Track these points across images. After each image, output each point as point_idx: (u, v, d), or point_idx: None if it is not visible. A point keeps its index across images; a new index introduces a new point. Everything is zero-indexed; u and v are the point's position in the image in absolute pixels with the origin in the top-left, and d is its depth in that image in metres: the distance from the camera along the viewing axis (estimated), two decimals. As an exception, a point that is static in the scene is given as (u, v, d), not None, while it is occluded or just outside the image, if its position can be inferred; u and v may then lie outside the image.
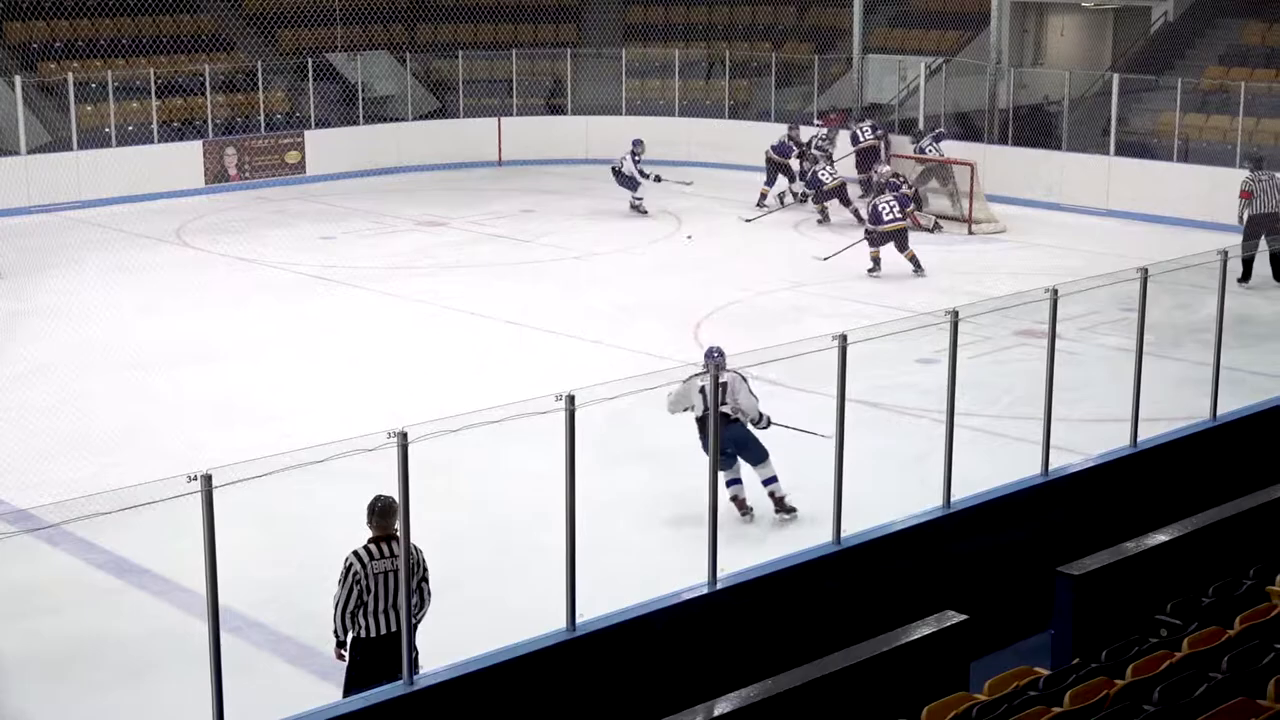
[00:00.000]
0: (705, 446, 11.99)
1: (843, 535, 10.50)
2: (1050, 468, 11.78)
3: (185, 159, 30.10)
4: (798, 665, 8.63)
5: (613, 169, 27.72)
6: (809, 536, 10.66)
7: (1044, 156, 28.87)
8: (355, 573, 9.13)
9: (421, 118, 33.94)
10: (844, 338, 10.26)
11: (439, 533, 9.96)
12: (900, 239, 22.57)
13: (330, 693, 9.87)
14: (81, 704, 10.27)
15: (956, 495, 11.13)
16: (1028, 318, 16.64)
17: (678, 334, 19.19)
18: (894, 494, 11.94)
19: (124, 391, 17.12)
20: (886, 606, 10.00)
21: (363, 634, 9.21)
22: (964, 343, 11.35)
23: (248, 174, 30.84)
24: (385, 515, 9.22)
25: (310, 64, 32.34)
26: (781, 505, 12.97)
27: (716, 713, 8.09)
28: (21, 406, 16.45)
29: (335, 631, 9.28)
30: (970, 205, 26.21)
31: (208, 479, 7.80)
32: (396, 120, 33.53)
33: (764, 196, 27.79)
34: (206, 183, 30.37)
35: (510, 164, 33.24)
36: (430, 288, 22.15)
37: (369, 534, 9.26)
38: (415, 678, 8.65)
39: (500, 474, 13.62)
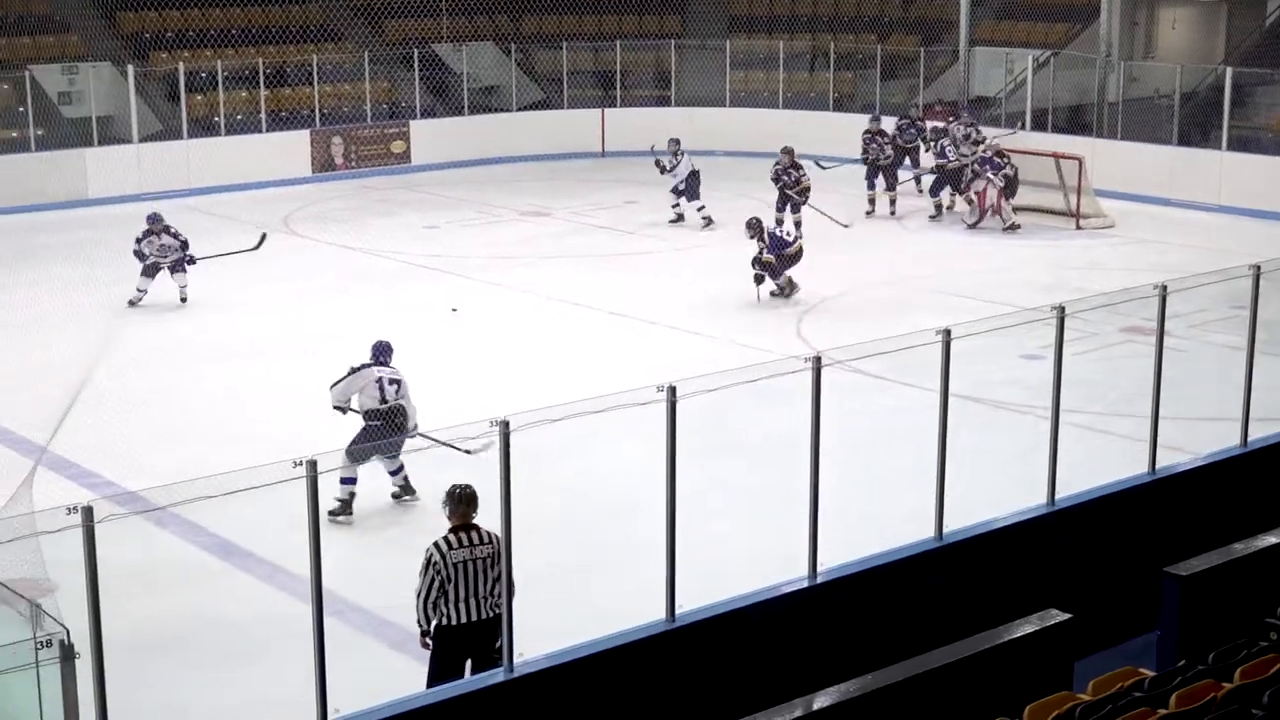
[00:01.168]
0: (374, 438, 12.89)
1: (945, 531, 10.42)
2: (1158, 466, 11.62)
3: (292, 148, 30.44)
4: (898, 661, 8.57)
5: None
6: (912, 532, 10.57)
7: (1154, 151, 28.46)
8: (435, 563, 9.18)
9: (525, 108, 34.07)
10: (948, 332, 10.17)
11: (537, 522, 9.98)
12: (788, 267, 20.70)
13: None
14: (186, 684, 10.41)
15: (1061, 493, 11.01)
16: (1136, 314, 16.40)
17: (779, 327, 19.12)
18: (997, 491, 11.82)
19: (230, 378, 17.34)
20: (989, 604, 9.92)
21: (445, 621, 9.25)
22: (1070, 339, 11.21)
23: (353, 163, 31.11)
24: (465, 504, 9.28)
25: (416, 55, 32.57)
26: (407, 490, 13.27)
27: (815, 707, 8.06)
28: (131, 392, 16.72)
29: (418, 621, 9.34)
30: (1078, 200, 25.90)
31: (313, 465, 7.88)
32: (501, 111, 33.69)
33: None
34: (313, 171, 30.70)
35: (613, 155, 33.26)
36: (532, 277, 22.23)
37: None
38: (514, 665, 8.68)
39: (599, 464, 13.64)
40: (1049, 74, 31.51)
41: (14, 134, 28.57)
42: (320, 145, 30.95)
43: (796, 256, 20.53)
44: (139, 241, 20.39)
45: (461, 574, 9.18)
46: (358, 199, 28.74)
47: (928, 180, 27.10)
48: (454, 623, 9.23)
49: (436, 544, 9.24)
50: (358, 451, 12.75)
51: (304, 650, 8.16)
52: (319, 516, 8.07)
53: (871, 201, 26.87)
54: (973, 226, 25.53)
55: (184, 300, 20.53)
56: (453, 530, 9.29)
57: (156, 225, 20.38)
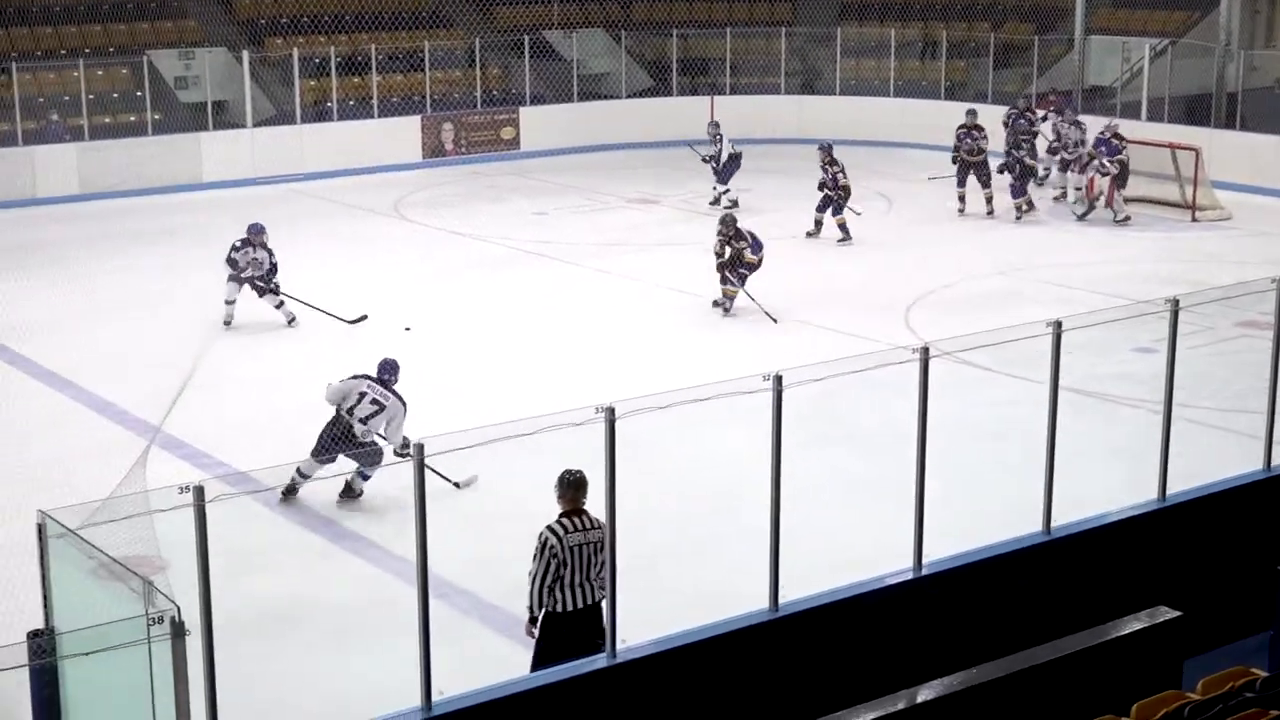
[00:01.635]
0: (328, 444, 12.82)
1: (1053, 525, 10.31)
2: (1273, 463, 11.41)
3: (403, 134, 30.67)
4: (1003, 656, 8.50)
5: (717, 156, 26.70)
6: (1019, 526, 10.47)
7: (1274, 142, 27.93)
8: (552, 547, 9.19)
9: (635, 95, 34.09)
10: (1058, 324, 10.06)
11: (641, 509, 10.00)
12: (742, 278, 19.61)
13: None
14: (293, 664, 10.53)
15: (1173, 488, 10.85)
16: (1252, 308, 16.09)
17: (887, 317, 19.01)
18: (1107, 485, 11.67)
19: (339, 361, 17.50)
20: (1097, 600, 9.80)
21: (558, 608, 9.26)
22: (1184, 332, 11.03)
23: (463, 149, 31.30)
24: (575, 488, 9.29)
25: (527, 41, 32.70)
26: (350, 491, 13.09)
27: (918, 700, 8.02)
28: (242, 374, 16.96)
29: (530, 607, 9.35)
30: (1195, 192, 25.49)
31: (420, 449, 7.94)
32: (610, 98, 33.73)
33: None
34: (423, 157, 30.92)
35: (723, 142, 33.18)
36: (640, 265, 22.26)
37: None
38: (617, 651, 8.70)
39: (703, 452, 13.63)
40: (1166, 63, 31.02)
41: (131, 118, 29.03)
42: (431, 131, 31.17)
43: (759, 263, 19.57)
44: (234, 250, 19.07)
45: (576, 558, 9.21)
46: (467, 185, 28.91)
47: (1053, 176, 26.74)
48: (565, 609, 9.25)
49: (551, 528, 9.27)
50: (321, 451, 12.99)
51: (409, 633, 8.23)
52: (425, 499, 8.13)
53: (961, 199, 25.79)
54: (1082, 218, 25.20)
55: (289, 322, 19.11)
56: (564, 515, 9.31)
57: (255, 237, 19.15)
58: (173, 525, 7.59)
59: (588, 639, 9.22)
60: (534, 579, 9.28)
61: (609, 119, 32.89)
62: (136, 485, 11.84)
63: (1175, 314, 10.71)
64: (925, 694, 8.07)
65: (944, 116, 30.83)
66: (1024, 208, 25.48)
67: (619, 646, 8.73)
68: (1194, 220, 25.25)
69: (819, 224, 23.89)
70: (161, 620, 7.09)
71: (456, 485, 12.40)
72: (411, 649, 8.16)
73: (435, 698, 8.16)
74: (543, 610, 9.34)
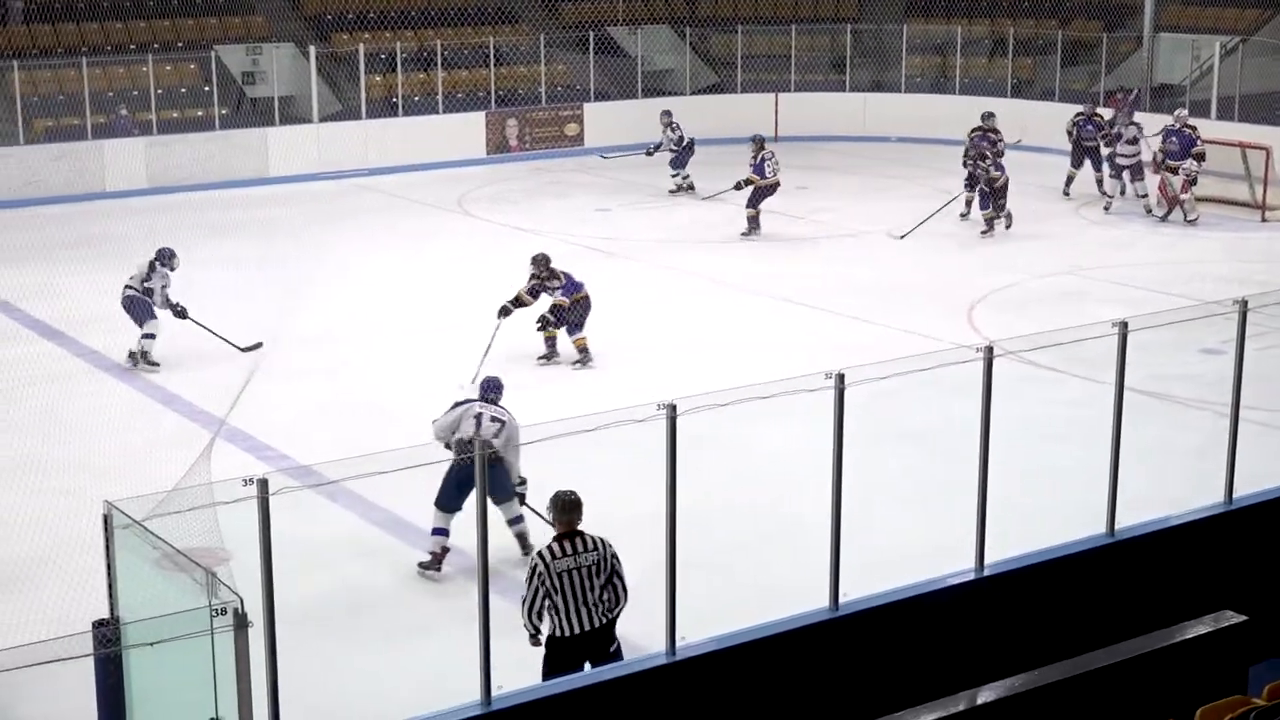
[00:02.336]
0: (453, 479, 11.34)
1: (1117, 527, 10.23)
2: (1341, 467, 11.29)
3: (468, 129, 30.77)
4: (1065, 658, 8.44)
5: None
6: (1082, 527, 10.40)
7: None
8: (540, 573, 8.97)
9: (699, 92, 34.06)
10: (1124, 324, 9.98)
11: (702, 506, 9.98)
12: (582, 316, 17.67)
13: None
14: (353, 657, 10.59)
15: (1239, 491, 10.74)
16: (1323, 310, 15.95)
17: (950, 315, 18.91)
18: (1172, 487, 11.57)
19: (403, 356, 17.60)
20: (1161, 603, 9.72)
21: (557, 632, 9.08)
22: (1252, 334, 10.92)
23: (528, 145, 31.38)
24: (568, 511, 9.07)
25: (591, 37, 32.73)
26: (523, 544, 11.76)
27: (979, 701, 7.97)
28: (307, 368, 17.06)
29: (524, 626, 9.15)
30: (1264, 191, 25.21)
31: (485, 444, 7.97)
32: (674, 94, 33.70)
33: (1070, 180, 26.64)
34: (487, 153, 31.01)
35: (786, 140, 33.10)
36: (702, 261, 22.23)
37: (634, 503, 9.30)
38: (676, 648, 8.69)
39: (764, 450, 13.60)
40: (1236, 61, 30.69)
41: (199, 113, 29.28)
42: (495, 127, 31.26)
43: (587, 304, 17.64)
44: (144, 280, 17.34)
45: (567, 584, 8.97)
46: (531, 180, 28.98)
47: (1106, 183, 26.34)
48: (565, 634, 9.06)
49: (540, 553, 9.07)
50: (446, 497, 11.59)
51: (470, 626, 8.26)
52: (486, 494, 8.15)
53: (968, 204, 24.81)
54: (1164, 219, 24.84)
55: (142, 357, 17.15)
56: (557, 538, 9.09)
57: (169, 261, 17.43)
58: (236, 517, 7.65)
59: (598, 659, 9.05)
60: (524, 602, 9.07)
61: (673, 115, 32.81)
62: (201, 477, 11.93)
63: (1243, 315, 10.60)
64: (986, 696, 8.02)
65: (1011, 114, 30.66)
66: (993, 224, 23.84)
67: (678, 644, 8.73)
68: (1263, 220, 24.97)
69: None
70: (225, 611, 7.15)
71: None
72: (471, 643, 8.18)
73: (495, 692, 8.18)
74: (544, 633, 9.14)
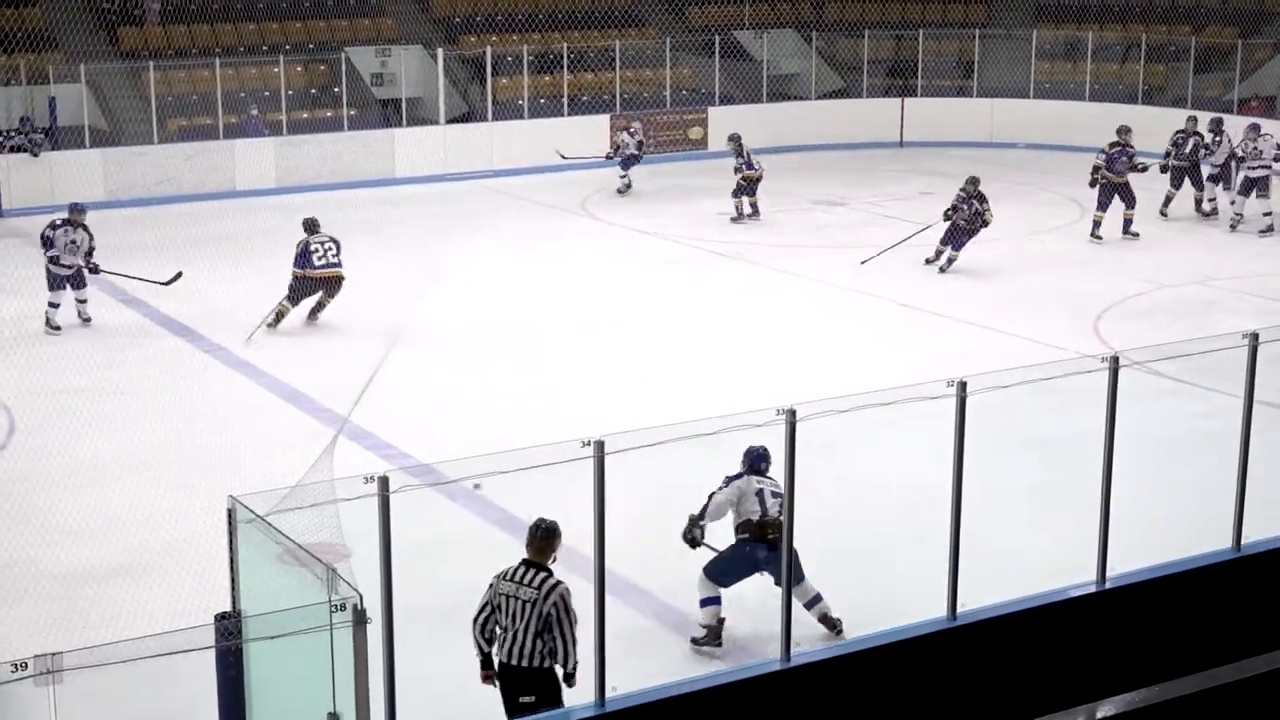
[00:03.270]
0: (747, 560, 10.53)
1: (1244, 542, 10.04)
2: None
3: (592, 132, 30.87)
4: (1187, 674, 8.31)
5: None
6: (1208, 541, 10.22)
7: None
8: (492, 586, 8.88)
9: (824, 96, 33.92)
10: (1255, 336, 9.81)
11: (821, 512, 9.95)
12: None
13: (709, 662, 10.02)
14: (469, 656, 10.64)
15: (1376, 507, 10.51)
16: None
17: (1076, 325, 18.68)
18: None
19: (525, 357, 17.71)
20: (1287, 620, 9.54)
21: (497, 656, 8.95)
22: (1390, 346, 10.67)
23: (652, 148, 31.41)
24: (536, 539, 8.94)
25: (717, 41, 32.73)
26: (829, 623, 10.58)
27: (1099, 715, 7.88)
28: (428, 368, 17.22)
29: (474, 639, 9.04)
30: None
31: (600, 445, 8.00)
32: (800, 99, 33.62)
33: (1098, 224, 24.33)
34: (611, 155, 31.08)
35: (911, 145, 32.92)
36: (825, 267, 22.14)
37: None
38: (792, 654, 8.67)
39: (884, 457, 13.51)
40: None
41: (329, 113, 29.67)
42: (620, 130, 31.32)
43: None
44: (51, 229, 18.72)
45: (504, 608, 8.83)
46: (655, 183, 29.01)
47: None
48: (500, 660, 8.92)
49: (501, 571, 8.94)
50: (722, 573, 10.66)
51: (585, 627, 8.29)
52: (604, 495, 8.18)
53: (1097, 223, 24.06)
54: (1264, 233, 24.19)
55: (85, 321, 18.91)
56: (522, 562, 8.99)
57: (76, 216, 18.89)
58: (357, 514, 7.73)
59: (510, 702, 8.86)
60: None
61: (798, 120, 32.78)
62: (323, 474, 12.09)
63: (1379, 327, 10.38)
64: (1105, 710, 7.93)
65: (1144, 120, 30.22)
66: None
67: (793, 650, 8.71)
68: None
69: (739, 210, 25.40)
70: (344, 607, 7.23)
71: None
72: (587, 645, 8.21)
73: (608, 694, 8.20)
74: (493, 656, 8.97)
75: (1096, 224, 23.92)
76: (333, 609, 7.23)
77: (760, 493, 10.64)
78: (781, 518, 9.82)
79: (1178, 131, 25.58)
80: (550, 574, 8.89)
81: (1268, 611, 9.91)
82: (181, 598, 10.66)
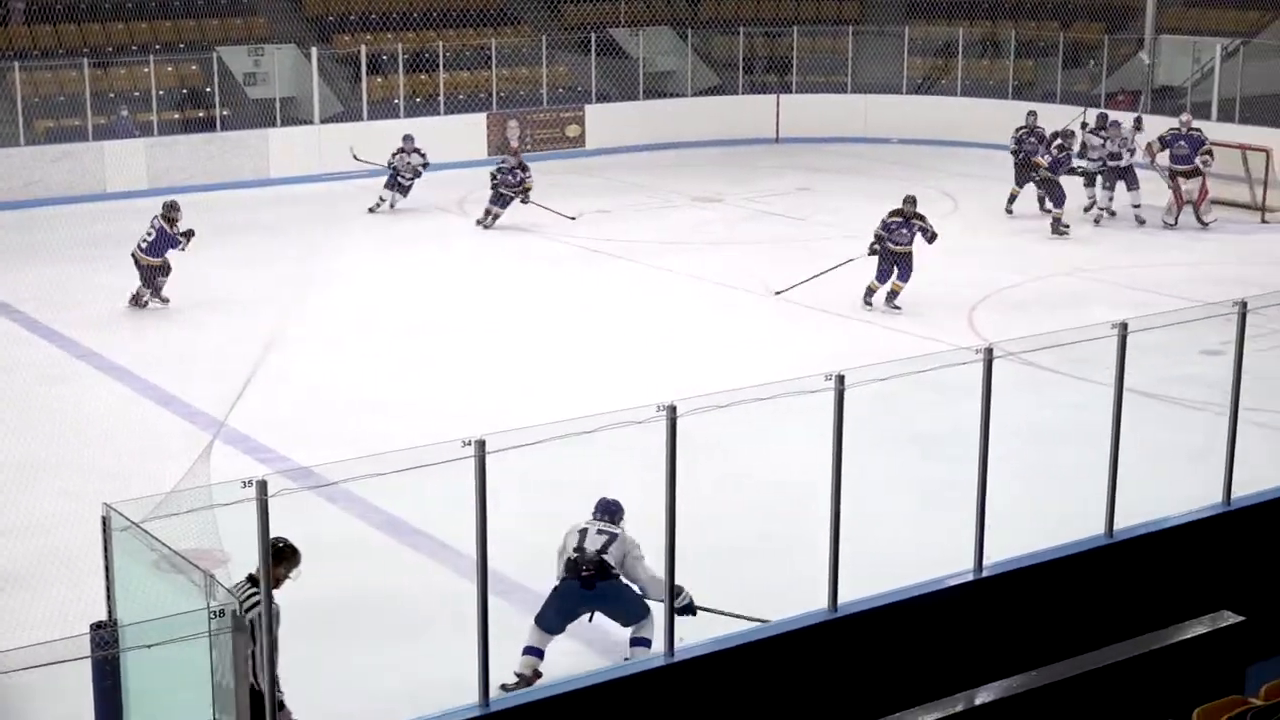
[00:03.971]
0: (567, 599, 10.18)
1: (1116, 528, 10.23)
2: (1341, 468, 11.29)
3: (469, 131, 30.76)
4: (1063, 659, 8.45)
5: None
6: (1082, 528, 10.40)
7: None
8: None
9: (701, 94, 34.07)
10: (1124, 326, 9.99)
11: (701, 509, 9.98)
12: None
13: (593, 660, 10.02)
14: (351, 659, 10.59)
15: (1238, 492, 10.75)
16: (1322, 311, 15.95)
17: (952, 317, 18.91)
18: (1171, 488, 11.57)
19: (406, 358, 17.60)
20: (1159, 603, 9.72)
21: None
22: (1252, 334, 10.92)
23: (529, 146, 31.36)
24: (273, 558, 7.89)
25: (593, 39, 32.74)
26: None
27: (977, 702, 7.98)
28: (304, 370, 17.07)
29: None
30: (1264, 193, 25.20)
31: (481, 444, 7.97)
32: (676, 96, 33.73)
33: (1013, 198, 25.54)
34: (489, 154, 30.98)
35: (788, 141, 33.15)
36: (703, 263, 22.24)
37: (633, 505, 9.27)
38: (675, 649, 8.70)
39: (764, 452, 13.60)
40: (1237, 63, 30.69)
41: (201, 114, 29.29)
42: (497, 129, 31.26)
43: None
44: (394, 155, 25.51)
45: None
46: (534, 182, 28.93)
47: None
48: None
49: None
50: (545, 617, 10.25)
51: (468, 628, 8.27)
52: (486, 495, 8.15)
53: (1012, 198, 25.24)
54: (1173, 225, 24.58)
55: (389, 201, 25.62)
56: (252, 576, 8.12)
57: (408, 145, 25.52)
58: (235, 519, 7.65)
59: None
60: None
61: (674, 117, 32.88)
62: (200, 479, 11.94)
63: (1243, 316, 10.61)
64: (984, 696, 8.03)
65: (1012, 115, 30.64)
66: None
67: (677, 645, 8.74)
68: (1264, 222, 24.97)
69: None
70: (222, 614, 7.15)
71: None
72: (470, 645, 8.19)
73: (493, 694, 8.19)
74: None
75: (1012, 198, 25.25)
76: (211, 615, 7.16)
77: (584, 531, 10.30)
78: (604, 555, 10.04)
79: (1019, 128, 25.88)
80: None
81: (1140, 595, 10.11)
82: (56, 608, 10.48)
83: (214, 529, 9.33)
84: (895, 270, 19.47)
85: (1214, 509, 10.70)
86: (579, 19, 34.25)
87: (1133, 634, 8.74)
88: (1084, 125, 26.00)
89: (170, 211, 19.59)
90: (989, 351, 9.71)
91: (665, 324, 19.15)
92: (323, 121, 29.79)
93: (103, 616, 8.08)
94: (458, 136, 30.47)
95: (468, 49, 32.19)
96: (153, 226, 19.45)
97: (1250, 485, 10.87)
